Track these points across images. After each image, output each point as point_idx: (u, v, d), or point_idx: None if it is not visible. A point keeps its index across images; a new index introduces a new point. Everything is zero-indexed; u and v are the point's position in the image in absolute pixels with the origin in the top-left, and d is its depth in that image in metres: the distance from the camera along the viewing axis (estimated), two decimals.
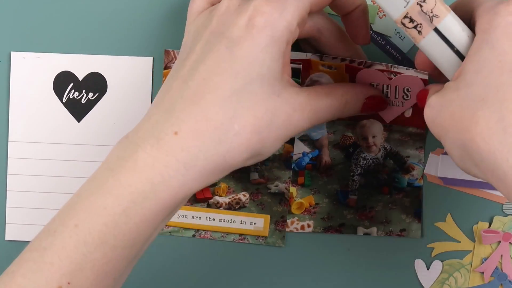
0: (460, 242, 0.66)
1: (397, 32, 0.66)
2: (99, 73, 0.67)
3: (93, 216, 0.48)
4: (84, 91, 0.67)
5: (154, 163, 0.48)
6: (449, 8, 0.49)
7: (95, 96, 0.67)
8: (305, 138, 0.61)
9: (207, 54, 0.50)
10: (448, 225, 0.66)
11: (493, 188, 0.66)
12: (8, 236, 0.67)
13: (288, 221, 0.65)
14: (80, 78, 0.67)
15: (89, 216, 0.48)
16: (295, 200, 0.65)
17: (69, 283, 0.47)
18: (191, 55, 0.52)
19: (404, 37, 0.66)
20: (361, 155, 0.61)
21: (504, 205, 0.66)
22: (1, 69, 0.67)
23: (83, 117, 0.67)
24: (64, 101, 0.67)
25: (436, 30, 0.48)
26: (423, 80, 0.56)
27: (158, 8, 0.66)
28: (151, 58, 0.67)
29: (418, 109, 0.56)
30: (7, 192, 0.67)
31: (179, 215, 0.66)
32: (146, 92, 0.67)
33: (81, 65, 0.67)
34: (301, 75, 0.59)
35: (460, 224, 0.66)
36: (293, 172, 0.64)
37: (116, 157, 0.50)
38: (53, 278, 0.48)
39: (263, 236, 0.67)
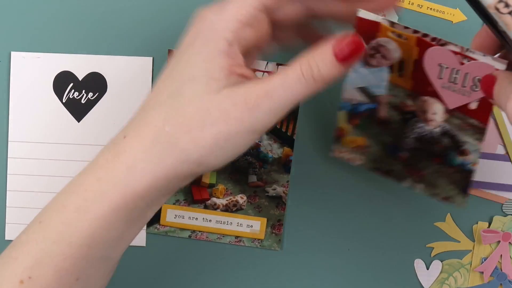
0: (459, 242, 0.66)
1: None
2: (99, 73, 0.67)
3: (53, 213, 0.51)
4: (84, 91, 0.67)
5: (104, 164, 0.51)
6: None
7: (95, 96, 0.67)
8: (363, 90, 0.58)
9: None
10: (448, 225, 0.66)
11: (493, 188, 0.66)
12: (8, 236, 0.67)
13: (337, 149, 0.62)
14: (80, 78, 0.67)
15: (51, 213, 0.51)
16: (347, 136, 0.62)
17: (30, 277, 0.49)
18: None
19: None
20: (418, 123, 0.59)
21: (503, 205, 0.66)
22: (1, 69, 0.67)
23: (83, 117, 0.67)
24: (64, 101, 0.67)
25: None
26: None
27: (159, 8, 0.66)
28: (151, 58, 0.67)
29: (485, 103, 0.53)
30: (7, 192, 0.67)
31: (176, 215, 0.66)
32: (146, 92, 0.67)
33: (81, 65, 0.67)
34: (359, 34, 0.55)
35: (460, 224, 0.66)
36: (348, 114, 0.61)
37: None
38: (16, 271, 0.50)
39: (259, 239, 0.67)
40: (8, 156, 0.67)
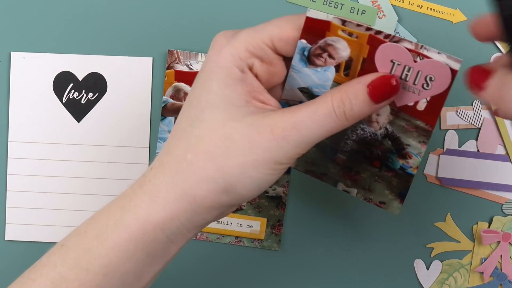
0: (459, 242, 0.66)
1: (397, 33, 0.66)
2: (99, 73, 0.67)
3: (75, 238, 0.50)
4: (84, 91, 0.67)
5: (129, 193, 0.50)
6: None
7: (95, 96, 0.67)
8: (306, 90, 0.55)
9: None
10: (448, 225, 0.66)
11: (493, 188, 0.66)
12: (8, 236, 0.67)
13: None
14: (80, 78, 0.67)
15: (73, 238, 0.50)
16: None
17: None
18: None
19: (404, 37, 0.66)
20: (360, 125, 0.56)
21: (503, 205, 0.66)
22: (1, 69, 0.67)
23: (83, 117, 0.67)
24: (64, 101, 0.67)
25: None
26: (453, 70, 0.50)
27: (158, 8, 0.67)
28: (151, 58, 0.67)
29: (434, 104, 0.52)
30: (7, 192, 0.67)
31: None
32: (146, 92, 0.67)
33: (81, 65, 0.67)
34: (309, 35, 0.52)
35: (460, 224, 0.66)
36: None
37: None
38: None
39: (259, 239, 0.67)
40: (8, 156, 0.67)
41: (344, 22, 0.51)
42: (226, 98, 0.48)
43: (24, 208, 0.67)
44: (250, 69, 0.50)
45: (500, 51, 0.64)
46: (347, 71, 0.53)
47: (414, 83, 0.52)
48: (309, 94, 0.54)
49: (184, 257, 0.67)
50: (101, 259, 0.49)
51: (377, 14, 0.65)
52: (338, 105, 0.48)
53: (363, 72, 0.52)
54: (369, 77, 0.50)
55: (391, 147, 0.56)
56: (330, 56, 0.53)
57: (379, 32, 0.51)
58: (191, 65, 0.66)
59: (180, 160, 0.48)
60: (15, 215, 0.67)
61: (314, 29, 0.52)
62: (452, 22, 0.65)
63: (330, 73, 0.53)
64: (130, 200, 0.49)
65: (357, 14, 0.66)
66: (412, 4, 0.65)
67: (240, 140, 0.47)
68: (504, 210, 0.66)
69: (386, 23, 0.65)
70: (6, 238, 0.67)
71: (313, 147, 0.55)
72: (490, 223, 0.66)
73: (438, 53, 0.50)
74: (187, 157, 0.48)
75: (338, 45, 0.52)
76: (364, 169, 0.57)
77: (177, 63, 0.66)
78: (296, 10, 0.66)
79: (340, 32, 0.52)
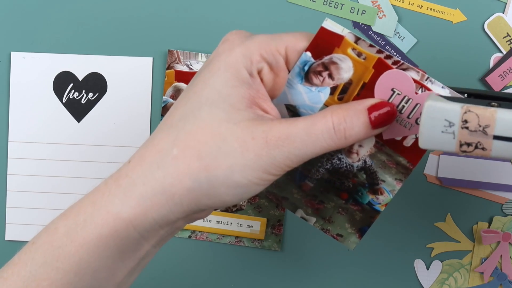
0: (459, 242, 0.66)
1: (397, 33, 0.66)
2: (99, 73, 0.67)
3: (45, 235, 0.49)
4: (84, 91, 0.67)
5: (102, 188, 0.48)
6: (493, 109, 0.44)
7: (95, 96, 0.67)
8: (292, 109, 0.52)
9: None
10: (448, 225, 0.66)
11: (493, 188, 0.66)
12: (8, 236, 0.67)
13: None
14: (80, 78, 0.67)
15: (43, 235, 0.49)
16: None
17: None
18: None
19: (404, 37, 0.66)
20: (337, 154, 0.54)
21: (503, 205, 0.66)
22: (1, 69, 0.67)
23: (83, 117, 0.67)
24: (64, 101, 0.67)
25: (496, 137, 0.44)
26: None
27: (158, 8, 0.67)
28: (151, 58, 0.67)
29: None
30: (7, 192, 0.67)
31: None
32: (146, 92, 0.67)
33: (81, 65, 0.67)
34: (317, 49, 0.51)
35: (460, 224, 0.66)
36: None
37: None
38: None
39: (259, 239, 0.67)
40: (8, 156, 0.67)
41: (357, 40, 0.50)
42: (228, 98, 0.47)
43: (24, 208, 0.67)
44: (259, 73, 0.48)
45: (500, 51, 0.64)
46: (341, 95, 0.51)
47: (408, 117, 0.50)
48: (294, 113, 0.52)
49: (184, 257, 0.67)
50: (71, 257, 0.47)
51: (377, 14, 0.65)
52: (339, 121, 0.47)
53: (358, 98, 0.50)
54: (369, 101, 0.49)
55: (364, 181, 0.54)
56: (330, 75, 0.51)
57: (389, 57, 0.49)
58: (191, 65, 0.66)
59: (164, 154, 0.47)
60: (15, 215, 0.67)
61: (324, 42, 0.50)
62: (452, 22, 0.65)
63: (323, 95, 0.51)
64: (103, 195, 0.48)
65: (357, 14, 0.66)
66: (412, 4, 0.65)
67: (232, 142, 0.46)
68: (504, 210, 0.66)
69: (386, 23, 0.65)
70: (6, 238, 0.67)
71: None
72: (490, 223, 0.66)
73: (442, 87, 0.49)
74: (173, 151, 0.46)
75: (342, 64, 0.51)
76: (329, 199, 0.55)
77: (177, 63, 0.66)
78: (296, 10, 0.66)
79: (349, 51, 0.50)
